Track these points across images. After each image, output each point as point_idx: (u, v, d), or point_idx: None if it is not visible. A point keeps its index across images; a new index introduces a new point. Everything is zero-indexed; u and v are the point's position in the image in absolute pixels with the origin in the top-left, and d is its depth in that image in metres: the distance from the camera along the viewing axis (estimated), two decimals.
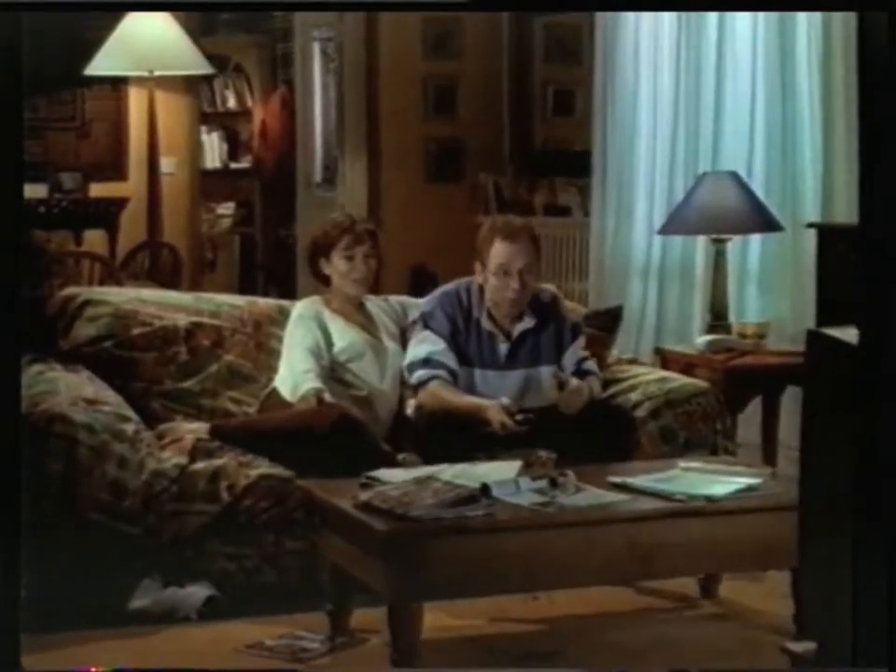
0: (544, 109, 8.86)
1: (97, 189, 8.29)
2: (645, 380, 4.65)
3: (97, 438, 3.99)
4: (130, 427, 4.11)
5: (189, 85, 8.76)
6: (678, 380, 4.70)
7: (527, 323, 4.49)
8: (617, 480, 3.81)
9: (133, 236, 7.91)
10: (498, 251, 4.40)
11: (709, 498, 3.72)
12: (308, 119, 9.35)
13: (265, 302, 4.87)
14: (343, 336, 4.51)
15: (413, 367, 4.45)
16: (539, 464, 3.84)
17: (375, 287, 4.74)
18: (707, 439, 4.50)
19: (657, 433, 4.47)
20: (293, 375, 4.40)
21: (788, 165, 6.14)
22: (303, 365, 4.39)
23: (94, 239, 7.95)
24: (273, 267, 10.28)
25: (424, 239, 8.27)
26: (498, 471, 3.81)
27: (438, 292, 4.60)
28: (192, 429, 4.31)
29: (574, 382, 4.30)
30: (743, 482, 3.84)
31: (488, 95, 8.77)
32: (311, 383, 4.33)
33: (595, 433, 4.21)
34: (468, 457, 4.00)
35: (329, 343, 4.48)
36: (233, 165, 10.98)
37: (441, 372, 4.38)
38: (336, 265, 4.53)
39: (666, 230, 5.85)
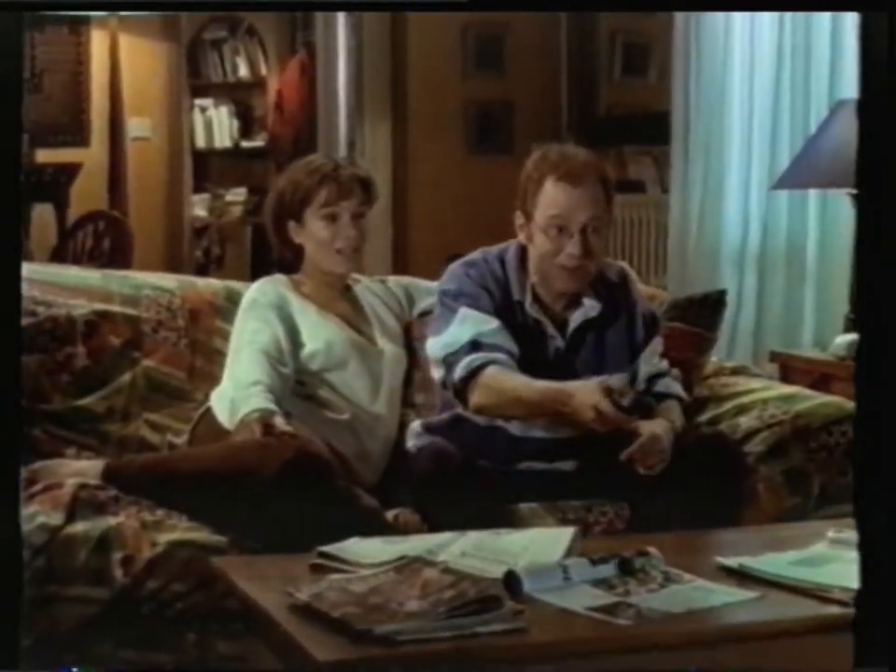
0: (611, 66, 8.44)
1: (51, 156, 7.77)
2: (761, 398, 3.85)
3: None
4: None
5: (168, 28, 8.28)
6: (809, 398, 3.90)
7: (590, 309, 3.51)
8: (729, 562, 2.76)
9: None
10: (552, 197, 3.42)
11: None
12: (331, 88, 8.85)
13: (206, 284, 4.07)
14: (317, 333, 3.64)
15: (455, 355, 3.44)
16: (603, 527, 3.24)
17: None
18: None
19: (781, 478, 3.69)
20: (235, 389, 3.45)
21: None
22: (251, 374, 3.46)
23: (43, 215, 7.38)
24: (291, 262, 9.60)
25: (463, 222, 7.55)
26: (537, 546, 2.80)
27: (457, 265, 3.58)
28: (78, 470, 3.38)
29: (647, 427, 3.31)
30: None
31: (543, 48, 8.19)
32: (255, 401, 3.38)
33: (687, 480, 3.28)
34: (493, 519, 3.13)
35: (297, 343, 3.61)
36: (245, 144, 10.58)
37: (500, 356, 3.39)
38: (311, 229, 3.70)
39: (785, 182, 5.20)
